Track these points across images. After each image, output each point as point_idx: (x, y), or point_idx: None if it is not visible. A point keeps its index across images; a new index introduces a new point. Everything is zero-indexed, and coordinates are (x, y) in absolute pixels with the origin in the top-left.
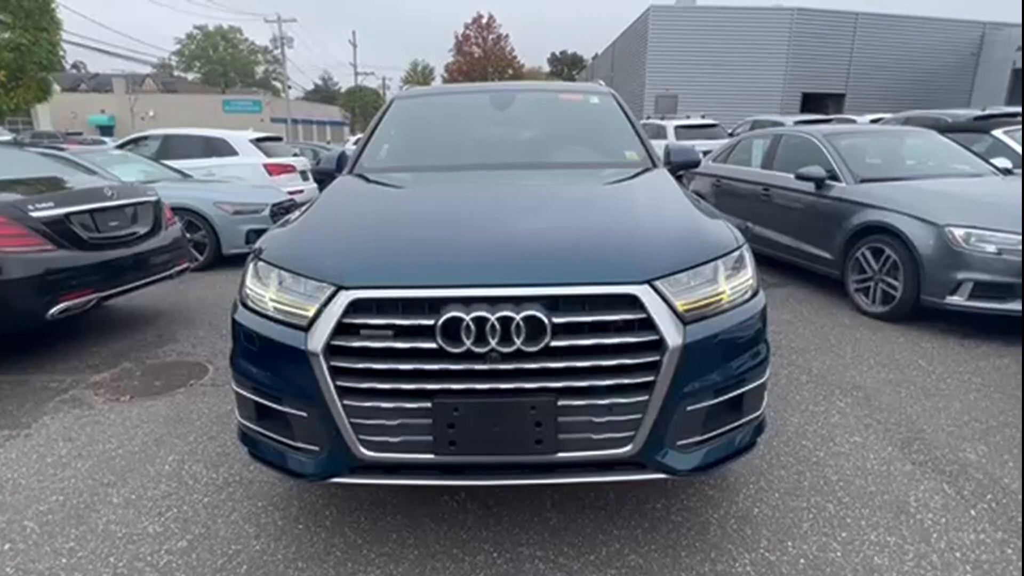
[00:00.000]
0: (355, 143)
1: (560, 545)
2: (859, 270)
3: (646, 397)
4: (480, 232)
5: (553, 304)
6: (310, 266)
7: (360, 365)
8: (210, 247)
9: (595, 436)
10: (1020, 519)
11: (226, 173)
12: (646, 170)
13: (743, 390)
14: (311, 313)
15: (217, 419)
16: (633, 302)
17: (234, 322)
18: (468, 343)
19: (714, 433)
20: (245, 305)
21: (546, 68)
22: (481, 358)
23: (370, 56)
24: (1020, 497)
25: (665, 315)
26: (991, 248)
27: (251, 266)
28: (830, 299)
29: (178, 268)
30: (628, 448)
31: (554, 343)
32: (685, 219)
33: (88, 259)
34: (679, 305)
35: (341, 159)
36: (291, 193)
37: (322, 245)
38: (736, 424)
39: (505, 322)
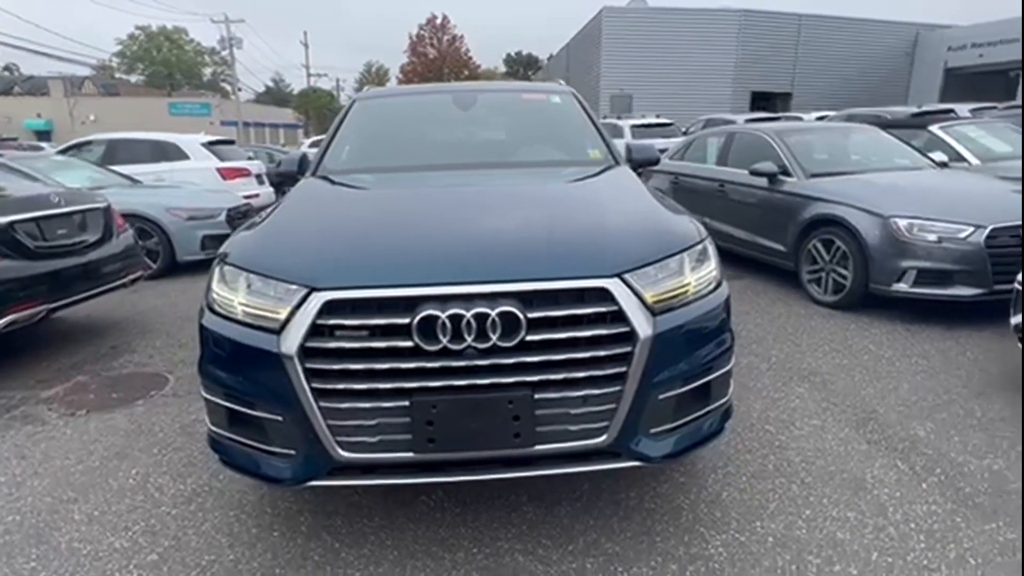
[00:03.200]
0: (311, 146)
1: (538, 537)
2: (811, 261)
3: (619, 387)
4: (451, 231)
5: (527, 299)
6: (279, 268)
7: (336, 366)
8: (163, 254)
9: (572, 427)
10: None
11: (177, 178)
12: (608, 168)
13: (710, 377)
14: (283, 316)
15: (180, 430)
16: (604, 295)
17: (202, 327)
18: (444, 341)
19: (685, 420)
20: (212, 310)
21: (502, 68)
22: (458, 355)
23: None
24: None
25: (635, 307)
26: (932, 237)
27: (217, 270)
28: (785, 290)
29: (131, 276)
30: (603, 438)
31: (529, 337)
32: (650, 214)
33: (35, 269)
34: (648, 297)
35: (303, 161)
36: (247, 197)
37: (291, 247)
38: (705, 411)
39: (480, 318)
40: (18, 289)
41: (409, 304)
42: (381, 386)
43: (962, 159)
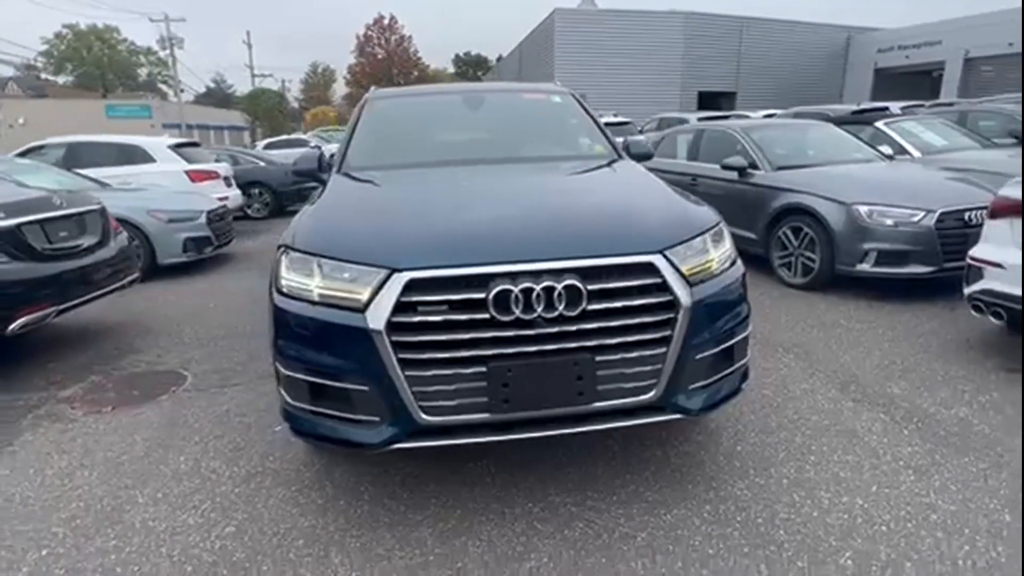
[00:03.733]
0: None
1: (585, 491)
2: (781, 247)
3: (665, 349)
4: (508, 216)
5: (586, 274)
6: (355, 253)
7: (420, 338)
8: (144, 258)
9: (625, 385)
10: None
11: (144, 181)
12: (615, 160)
13: (734, 341)
14: (365, 296)
15: (216, 420)
16: (651, 269)
17: (277, 310)
18: (517, 312)
19: (716, 377)
20: (284, 294)
21: (451, 69)
22: (528, 324)
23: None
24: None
25: (676, 279)
26: (890, 221)
27: (284, 258)
28: (758, 275)
29: (130, 278)
30: (652, 394)
31: (590, 307)
32: (672, 200)
33: (44, 271)
34: (685, 270)
35: (321, 159)
36: (219, 200)
37: (359, 234)
38: (731, 370)
39: (548, 291)
40: (29, 291)
41: (483, 280)
42: (461, 354)
43: (905, 152)
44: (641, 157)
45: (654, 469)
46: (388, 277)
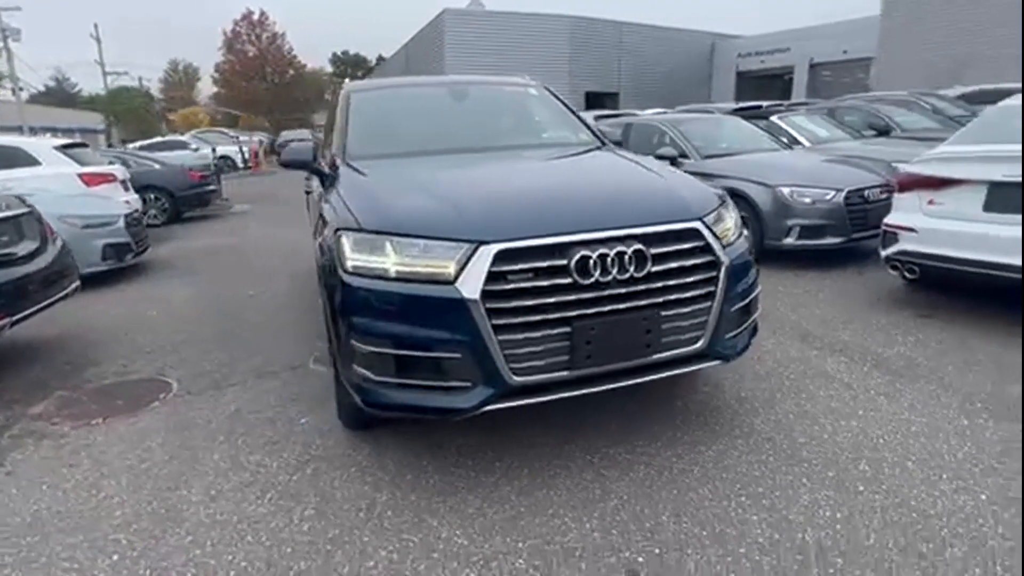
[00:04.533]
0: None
1: (631, 441)
2: None
3: (710, 303)
4: (571, 190)
5: (647, 239)
6: (435, 230)
7: (511, 304)
8: None
9: (682, 336)
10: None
11: (30, 186)
12: (602, 147)
13: (752, 296)
14: (452, 269)
15: (231, 419)
16: (697, 234)
17: (349, 290)
18: (596, 275)
19: (741, 328)
20: (353, 274)
21: (329, 68)
22: (605, 286)
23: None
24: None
25: (715, 242)
26: (808, 200)
27: (348, 239)
28: None
29: (74, 285)
30: (700, 344)
31: (653, 268)
32: (684, 177)
33: None
34: (719, 234)
35: (315, 150)
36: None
37: (429, 212)
38: (750, 321)
39: (619, 256)
40: None
41: (565, 248)
42: (548, 316)
43: (797, 142)
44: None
45: (681, 418)
46: (475, 250)
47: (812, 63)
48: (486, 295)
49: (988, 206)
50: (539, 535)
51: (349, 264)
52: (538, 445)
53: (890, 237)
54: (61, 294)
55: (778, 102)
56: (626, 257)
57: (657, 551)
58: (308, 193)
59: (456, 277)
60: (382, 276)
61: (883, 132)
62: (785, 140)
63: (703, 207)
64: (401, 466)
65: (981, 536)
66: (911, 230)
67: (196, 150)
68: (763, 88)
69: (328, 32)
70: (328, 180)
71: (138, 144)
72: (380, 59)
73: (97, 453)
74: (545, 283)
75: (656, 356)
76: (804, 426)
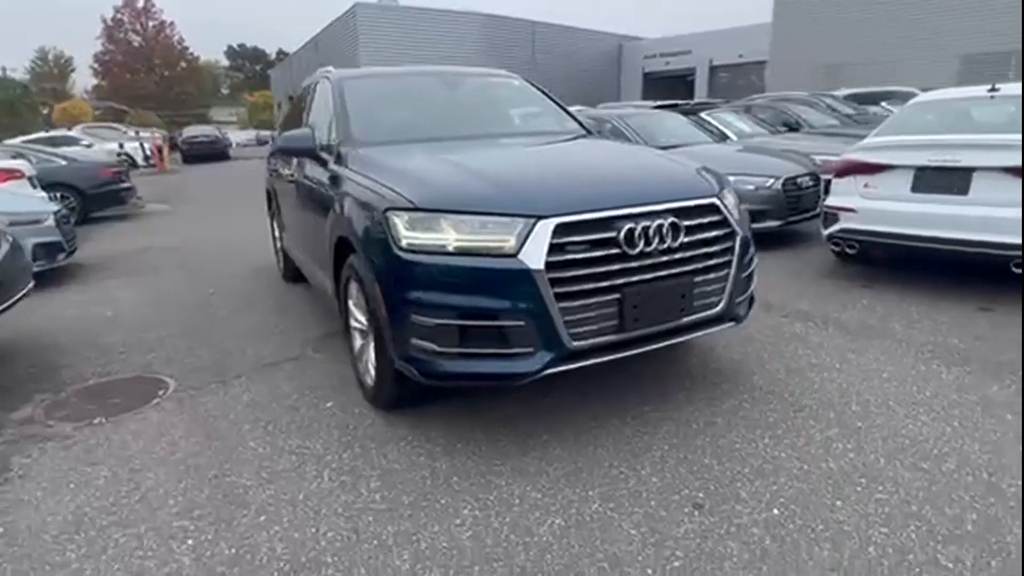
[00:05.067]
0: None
1: (654, 402)
2: None
3: (728, 271)
4: (606, 170)
5: (679, 213)
6: (493, 206)
7: (569, 273)
8: None
9: (707, 300)
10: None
11: None
12: (586, 135)
13: (754, 264)
14: (513, 242)
15: (250, 409)
16: (716, 208)
17: (407, 266)
18: (640, 246)
19: (747, 293)
20: (410, 251)
21: (224, 62)
22: (648, 255)
23: None
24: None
25: (730, 215)
26: (751, 187)
27: (401, 218)
28: None
29: (31, 284)
30: (719, 308)
31: (685, 239)
32: (688, 160)
33: None
34: (731, 208)
35: (315, 136)
36: None
37: (482, 190)
38: (752, 287)
39: (659, 228)
40: None
41: (612, 222)
42: (602, 284)
43: (726, 137)
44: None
45: (689, 381)
46: (534, 225)
47: (712, 65)
48: (548, 266)
49: (915, 188)
50: (603, 484)
51: (404, 242)
52: (576, 414)
53: (831, 217)
54: (22, 293)
55: (685, 101)
56: (664, 229)
57: (711, 487)
58: (292, 182)
59: (518, 250)
60: (440, 252)
61: (793, 128)
62: (715, 134)
63: (717, 185)
64: (449, 438)
65: (964, 453)
66: (851, 210)
67: (89, 146)
68: (668, 88)
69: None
70: (337, 165)
71: (19, 140)
72: (281, 53)
73: (117, 450)
74: (599, 253)
75: (686, 319)
76: (796, 380)
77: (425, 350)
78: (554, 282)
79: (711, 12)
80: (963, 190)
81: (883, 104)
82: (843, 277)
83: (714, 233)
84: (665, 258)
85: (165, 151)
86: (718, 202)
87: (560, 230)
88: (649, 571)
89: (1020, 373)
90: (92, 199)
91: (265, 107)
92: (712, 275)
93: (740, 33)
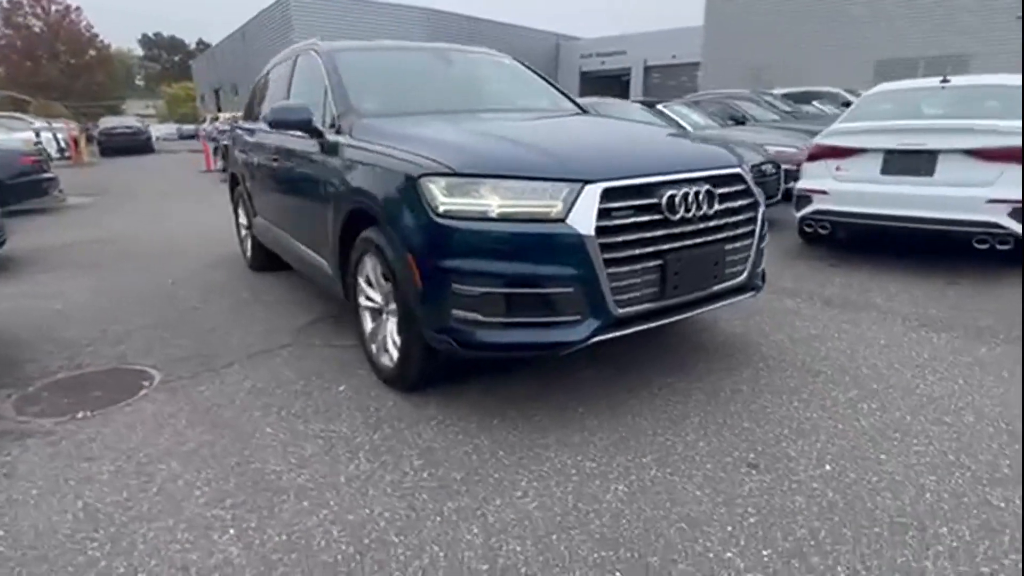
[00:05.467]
0: None
1: (677, 373)
2: None
3: (751, 241)
4: (633, 141)
5: (712, 181)
6: (538, 170)
7: (616, 239)
8: None
9: (734, 269)
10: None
11: None
12: (582, 112)
13: (767, 237)
14: (559, 206)
15: (255, 395)
16: (741, 178)
17: (449, 235)
18: (681, 212)
19: (762, 264)
20: (449, 217)
21: (138, 51)
22: (687, 222)
23: None
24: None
25: (753, 186)
26: None
27: (438, 183)
28: None
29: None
30: (743, 277)
31: (719, 207)
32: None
33: None
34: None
35: (311, 109)
36: None
37: (523, 155)
38: (764, 258)
39: (697, 195)
40: None
41: (654, 188)
42: (645, 251)
43: (682, 128)
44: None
45: (703, 353)
46: (581, 189)
47: (646, 65)
48: (598, 231)
49: (884, 170)
50: (653, 451)
51: (442, 208)
52: (597, 384)
53: (804, 200)
54: None
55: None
56: (700, 196)
57: (759, 448)
58: (273, 161)
59: (566, 215)
60: (482, 218)
61: (740, 122)
62: (675, 126)
63: (738, 157)
64: (481, 415)
65: (978, 407)
66: (823, 192)
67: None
68: (604, 87)
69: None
70: (340, 136)
71: None
72: (202, 44)
73: (114, 443)
74: (643, 219)
75: (716, 287)
76: (802, 349)
77: (467, 320)
78: (603, 247)
79: (661, 13)
80: (929, 171)
81: (814, 103)
82: (812, 258)
83: (740, 202)
84: (702, 225)
85: (82, 143)
86: (743, 172)
87: (607, 195)
88: (729, 529)
89: (1005, 335)
90: (10, 189)
91: (187, 99)
92: (739, 244)
93: (673, 35)
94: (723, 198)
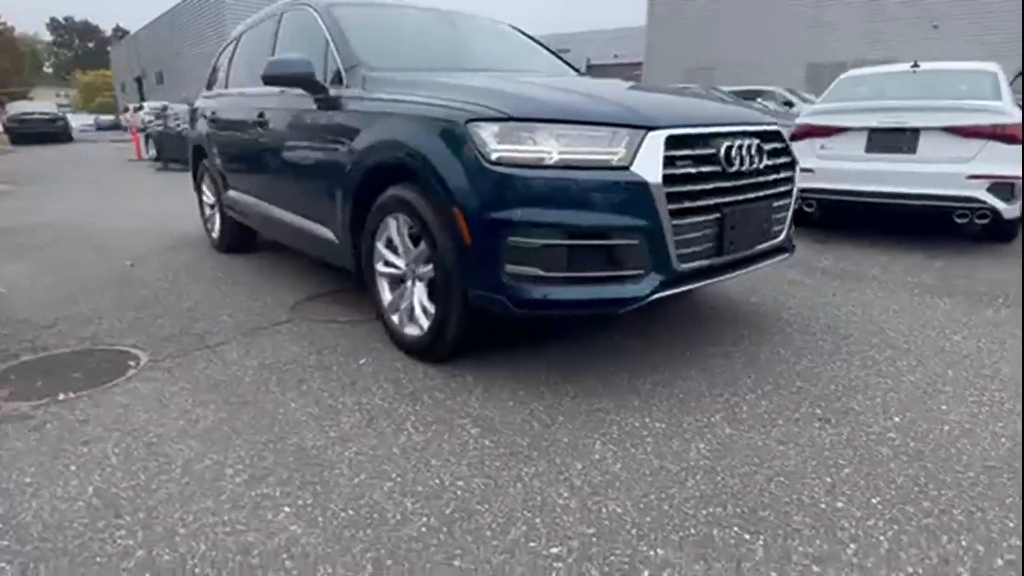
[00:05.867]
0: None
1: (710, 343)
2: None
3: (789, 200)
4: (675, 95)
5: (761, 136)
6: (597, 116)
7: (680, 189)
8: None
9: (776, 228)
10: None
11: None
12: (583, 74)
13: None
14: (623, 153)
15: (266, 370)
16: (781, 136)
17: (505, 183)
18: (737, 165)
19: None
20: (506, 165)
21: (47, 36)
22: (743, 175)
23: None
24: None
25: (791, 146)
26: None
27: (489, 129)
28: None
29: None
30: (781, 237)
31: (768, 162)
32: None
33: None
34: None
35: (313, 64)
36: None
37: (579, 101)
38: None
39: (750, 148)
40: None
41: (711, 138)
42: (706, 202)
43: None
44: None
45: (729, 323)
46: (644, 136)
47: (589, 64)
48: (664, 180)
49: (868, 148)
50: (717, 410)
51: (494, 156)
52: (631, 354)
53: None
54: None
55: None
56: (753, 150)
57: (823, 404)
58: (258, 124)
59: (630, 163)
60: (540, 165)
61: None
62: None
63: (767, 117)
64: (526, 384)
65: (1011, 361)
66: (809, 171)
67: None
68: None
69: None
70: (353, 89)
71: None
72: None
73: (113, 425)
74: (705, 169)
75: (760, 246)
76: (822, 315)
77: (524, 277)
78: (668, 197)
79: (603, 13)
80: (912, 149)
81: (759, 100)
82: (798, 237)
83: (782, 160)
84: (753, 180)
85: None
86: (782, 131)
87: (670, 143)
88: (829, 480)
89: (1004, 300)
90: None
91: (104, 88)
92: (781, 202)
93: (616, 35)
94: (770, 154)
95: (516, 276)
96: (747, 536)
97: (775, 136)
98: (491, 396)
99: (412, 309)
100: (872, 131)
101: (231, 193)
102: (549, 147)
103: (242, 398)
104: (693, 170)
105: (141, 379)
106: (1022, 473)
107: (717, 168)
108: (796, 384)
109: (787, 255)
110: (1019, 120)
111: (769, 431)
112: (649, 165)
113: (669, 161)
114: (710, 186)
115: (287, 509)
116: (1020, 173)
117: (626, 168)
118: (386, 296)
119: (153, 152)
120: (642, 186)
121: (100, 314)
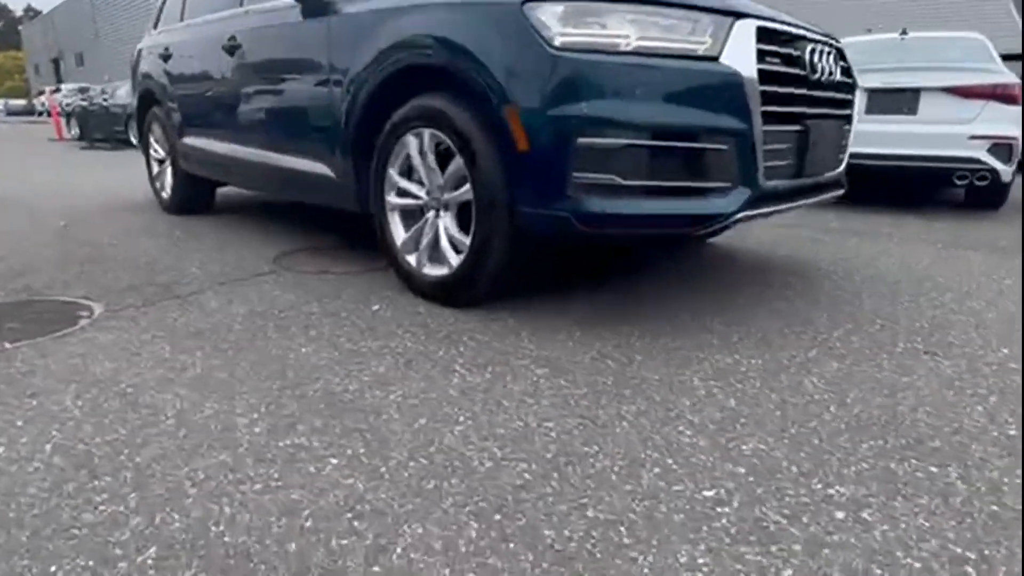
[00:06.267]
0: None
1: (761, 288)
2: None
3: (850, 127)
4: None
5: (835, 48)
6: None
7: (770, 89)
8: None
9: (840, 156)
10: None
11: None
12: None
13: None
14: (708, 42)
15: (260, 317)
16: (845, 56)
17: (577, 71)
18: (819, 73)
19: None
20: (573, 51)
21: None
22: (823, 87)
23: None
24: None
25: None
26: None
27: (552, 10)
28: None
29: None
30: (840, 169)
31: (843, 78)
32: None
33: None
34: None
35: None
36: None
37: None
38: None
39: (830, 55)
40: None
41: (796, 39)
42: (793, 109)
43: None
44: None
45: (771, 273)
46: (732, 23)
47: None
48: (760, 76)
49: (869, 109)
50: (808, 347)
51: (558, 41)
52: (680, 302)
53: None
54: None
55: None
56: (832, 58)
57: (917, 338)
58: (230, 48)
59: (719, 53)
60: (614, 52)
61: None
62: None
63: None
64: (581, 327)
65: None
66: None
67: None
68: None
69: None
70: None
71: None
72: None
73: (67, 375)
74: (792, 71)
75: (831, 173)
76: (860, 265)
77: (596, 186)
78: (763, 97)
79: None
80: (913, 110)
81: None
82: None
83: (848, 80)
84: (831, 94)
85: None
86: (845, 50)
87: (761, 35)
88: (980, 408)
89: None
90: None
91: (15, 71)
92: (846, 127)
93: None
94: (843, 71)
95: (585, 186)
96: (933, 469)
97: (843, 54)
98: (545, 338)
99: (435, 244)
100: (872, 92)
101: (188, 140)
102: (624, 31)
103: (235, 345)
104: (783, 70)
105: (99, 328)
106: (1022, 472)
107: (802, 72)
108: (877, 322)
109: (842, 191)
110: (1018, 80)
111: (881, 364)
112: (741, 57)
113: (760, 56)
114: (799, 91)
115: (334, 461)
116: (1019, 134)
117: (715, 59)
118: (399, 234)
119: (76, 131)
120: (736, 81)
121: (38, 268)
